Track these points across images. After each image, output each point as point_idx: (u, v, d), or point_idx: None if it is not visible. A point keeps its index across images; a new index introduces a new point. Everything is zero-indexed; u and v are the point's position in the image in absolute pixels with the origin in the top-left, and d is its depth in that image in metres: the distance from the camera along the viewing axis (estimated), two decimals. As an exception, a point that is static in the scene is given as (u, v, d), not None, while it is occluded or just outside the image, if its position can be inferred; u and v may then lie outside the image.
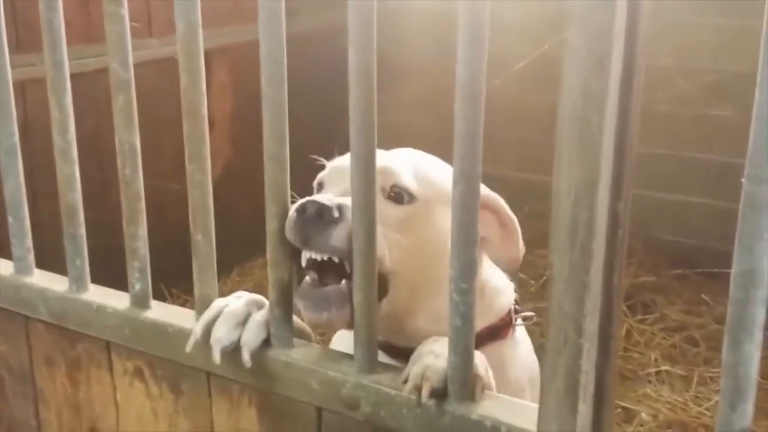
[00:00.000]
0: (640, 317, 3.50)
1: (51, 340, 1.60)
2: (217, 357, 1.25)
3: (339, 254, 1.26)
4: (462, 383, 1.14)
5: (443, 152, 1.38)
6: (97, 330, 1.50)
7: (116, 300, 1.50)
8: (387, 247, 1.29)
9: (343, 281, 1.29)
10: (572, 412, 0.98)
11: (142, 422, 1.51)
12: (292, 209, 1.27)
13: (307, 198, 1.28)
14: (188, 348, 1.30)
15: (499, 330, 1.47)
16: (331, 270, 1.30)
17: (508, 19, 3.96)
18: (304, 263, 1.30)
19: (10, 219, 1.58)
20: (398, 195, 1.35)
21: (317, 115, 3.45)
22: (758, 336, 0.89)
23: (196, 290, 1.39)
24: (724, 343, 0.90)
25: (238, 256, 3.78)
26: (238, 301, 1.33)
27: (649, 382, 3.12)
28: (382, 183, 1.33)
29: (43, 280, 1.60)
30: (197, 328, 1.30)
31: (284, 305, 1.30)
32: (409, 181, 1.36)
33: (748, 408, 0.89)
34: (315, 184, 1.44)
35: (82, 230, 1.51)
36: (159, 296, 3.42)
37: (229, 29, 3.55)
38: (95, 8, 2.96)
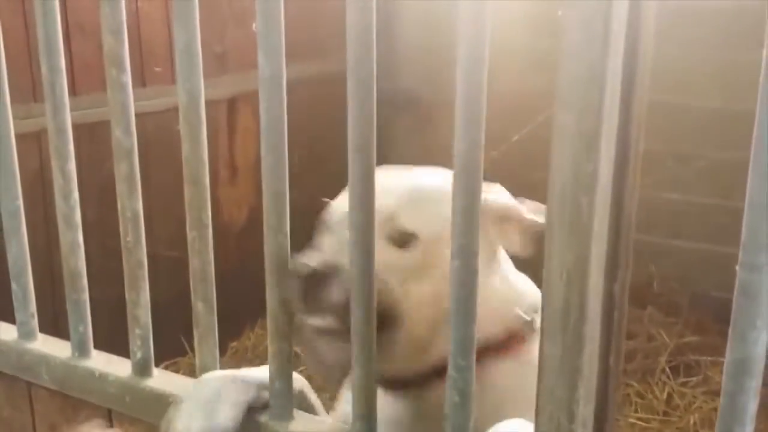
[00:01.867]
0: (682, 380, 3.47)
1: (54, 406, 1.65)
2: None
3: (339, 311, 1.29)
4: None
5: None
6: (98, 398, 1.56)
7: (118, 367, 1.56)
8: (398, 294, 1.34)
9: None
10: (561, 502, 1.01)
11: (142, 492, 1.56)
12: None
13: (297, 262, 1.31)
14: None
15: (500, 344, 1.38)
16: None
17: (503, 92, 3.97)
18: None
19: (13, 284, 1.64)
20: (401, 238, 1.36)
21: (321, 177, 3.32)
22: (750, 427, 0.92)
23: (198, 360, 1.45)
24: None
25: (262, 309, 3.75)
26: None
27: (687, 446, 3.11)
28: (382, 226, 1.33)
29: (45, 345, 1.66)
30: None
31: (284, 376, 1.35)
32: (408, 222, 1.37)
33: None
34: (319, 223, 1.45)
35: (85, 296, 1.57)
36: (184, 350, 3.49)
37: (253, 74, 3.56)
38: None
